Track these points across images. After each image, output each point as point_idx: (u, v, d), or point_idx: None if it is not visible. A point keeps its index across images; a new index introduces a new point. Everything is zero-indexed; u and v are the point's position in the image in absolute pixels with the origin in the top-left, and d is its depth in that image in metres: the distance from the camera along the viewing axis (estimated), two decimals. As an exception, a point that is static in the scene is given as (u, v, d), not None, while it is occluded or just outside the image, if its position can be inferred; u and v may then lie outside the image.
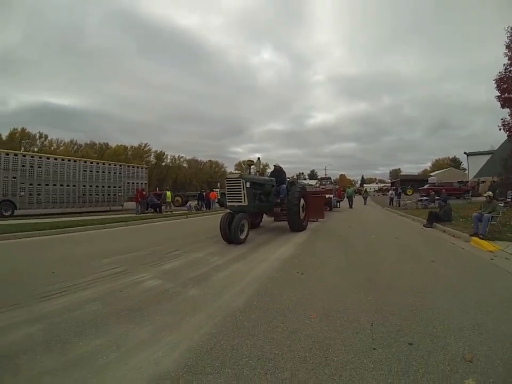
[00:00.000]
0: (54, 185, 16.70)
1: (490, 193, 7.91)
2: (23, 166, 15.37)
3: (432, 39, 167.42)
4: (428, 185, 29.03)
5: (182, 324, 2.75)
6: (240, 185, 7.86)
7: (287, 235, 8.71)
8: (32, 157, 16.33)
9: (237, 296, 3.49)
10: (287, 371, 1.99)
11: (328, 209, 18.18)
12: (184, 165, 72.99)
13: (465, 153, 40.94)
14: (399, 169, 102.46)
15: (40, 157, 16.78)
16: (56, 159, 17.44)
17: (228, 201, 8.27)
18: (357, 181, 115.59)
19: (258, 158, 10.35)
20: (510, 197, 14.65)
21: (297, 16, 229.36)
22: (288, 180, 10.65)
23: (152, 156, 66.27)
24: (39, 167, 16.02)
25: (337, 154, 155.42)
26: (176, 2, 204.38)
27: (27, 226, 9.77)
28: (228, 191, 8.28)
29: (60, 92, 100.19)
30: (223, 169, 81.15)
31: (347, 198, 23.63)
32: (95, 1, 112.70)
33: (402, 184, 40.77)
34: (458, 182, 29.72)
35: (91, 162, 19.67)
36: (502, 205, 8.03)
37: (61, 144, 55.05)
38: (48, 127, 75.01)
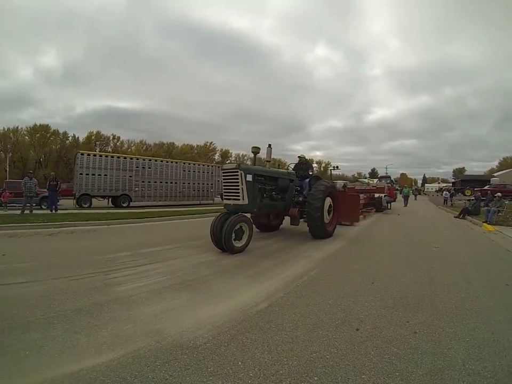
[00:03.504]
0: (160, 182, 22.31)
1: (499, 194, 11.72)
2: (137, 167, 21.10)
3: (496, 21, 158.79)
4: (487, 186, 31.07)
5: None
6: (238, 178, 6.71)
7: (306, 244, 7.52)
8: (143, 159, 22.17)
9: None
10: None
11: (374, 210, 17.54)
12: (248, 162, 78.78)
13: None
14: (463, 168, 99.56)
15: (150, 160, 22.69)
16: (162, 161, 23.27)
17: (224, 198, 7.33)
18: (418, 180, 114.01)
19: (269, 145, 8.71)
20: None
21: (347, 8, 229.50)
22: (311, 172, 9.25)
23: (217, 154, 72.63)
24: (149, 167, 21.74)
25: (398, 151, 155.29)
26: (228, 6, 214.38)
27: (137, 214, 13.30)
28: (224, 186, 7.27)
29: (123, 97, 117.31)
30: (286, 167, 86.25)
31: (403, 197, 26.04)
32: (148, 12, 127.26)
33: (462, 184, 42.02)
34: (515, 183, 31.50)
35: (189, 164, 25.38)
36: (507, 202, 11.79)
37: (132, 145, 63.93)
38: (113, 128, 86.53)
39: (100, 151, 52.53)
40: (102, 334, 2.71)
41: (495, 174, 53.73)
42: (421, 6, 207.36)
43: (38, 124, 55.52)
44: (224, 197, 7.32)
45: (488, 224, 10.76)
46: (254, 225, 8.60)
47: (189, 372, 2.17)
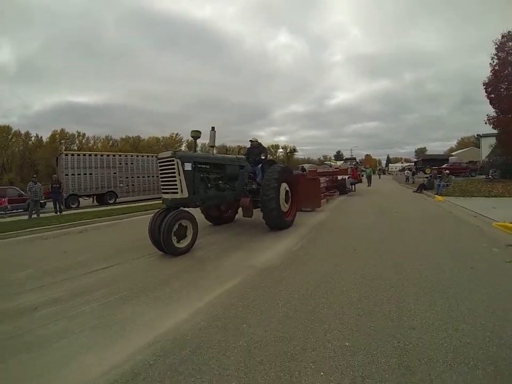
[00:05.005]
0: (143, 177, 23.53)
1: (447, 171, 14.44)
2: (119, 163, 22.18)
3: (455, 8, 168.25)
4: (446, 164, 34.71)
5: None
6: (174, 169, 6.08)
7: (263, 237, 6.96)
8: (126, 156, 23.25)
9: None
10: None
11: (337, 193, 17.40)
12: (215, 151, 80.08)
13: (478, 135, 45.32)
14: (425, 148, 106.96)
15: (132, 155, 23.84)
16: (143, 156, 24.44)
17: (162, 192, 6.64)
18: (382, 161, 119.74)
19: (213, 128, 7.79)
20: (490, 175, 20.82)
21: None
22: (264, 157, 8.53)
23: (184, 145, 73.11)
24: (131, 163, 22.86)
25: (361, 134, 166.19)
26: None
27: (117, 210, 13.90)
28: (161, 178, 6.62)
29: (82, 91, 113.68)
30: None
31: (366, 177, 27.65)
32: (107, 4, 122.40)
33: (423, 163, 46.41)
34: (469, 161, 35.35)
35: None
36: (453, 177, 14.57)
37: (98, 141, 63.15)
38: (74, 124, 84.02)
39: (65, 150, 52.26)
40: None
41: (453, 153, 58.46)
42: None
43: (-2, 126, 53.66)
44: (162, 190, 6.64)
45: (439, 195, 13.38)
46: (206, 219, 8.80)
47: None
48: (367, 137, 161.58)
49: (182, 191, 6.09)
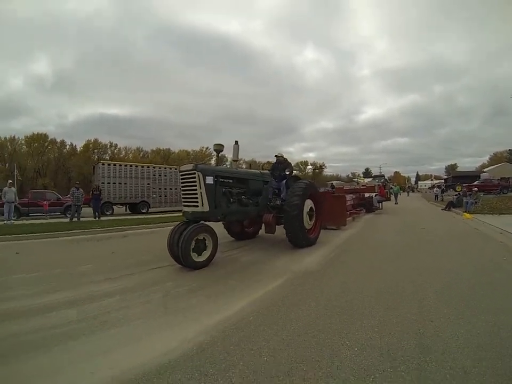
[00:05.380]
0: (176, 188, 24.45)
1: (476, 188, 14.57)
2: (153, 175, 23.42)
3: (479, 20, 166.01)
4: (477, 181, 34.13)
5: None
6: (195, 182, 6.11)
7: (284, 256, 6.80)
8: (159, 168, 24.53)
9: None
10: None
11: (364, 211, 17.03)
12: (243, 166, 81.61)
13: (510, 150, 44.12)
14: (455, 164, 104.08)
15: (165, 168, 25.11)
16: (176, 168, 25.53)
17: (183, 205, 6.70)
18: (412, 178, 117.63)
19: (236, 142, 7.88)
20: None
21: (334, 10, 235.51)
22: (288, 172, 8.32)
23: (213, 159, 74.95)
24: (164, 175, 24.09)
25: (390, 150, 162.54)
26: (215, 11, 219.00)
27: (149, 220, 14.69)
28: (182, 191, 6.74)
29: (114, 104, 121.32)
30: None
31: (393, 195, 27.61)
32: (137, 22, 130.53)
33: (453, 180, 45.42)
34: (501, 178, 34.62)
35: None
36: (482, 194, 14.66)
37: (129, 152, 65.82)
38: (105, 135, 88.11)
39: (98, 159, 54.89)
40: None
41: (485, 170, 57.04)
42: (405, 6, 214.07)
43: (36, 133, 57.30)
44: (183, 203, 6.70)
45: (467, 213, 13.53)
46: (228, 234, 8.85)
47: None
48: (396, 153, 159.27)
49: (202, 205, 6.08)
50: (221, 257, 6.68)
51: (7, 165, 54.31)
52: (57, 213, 20.02)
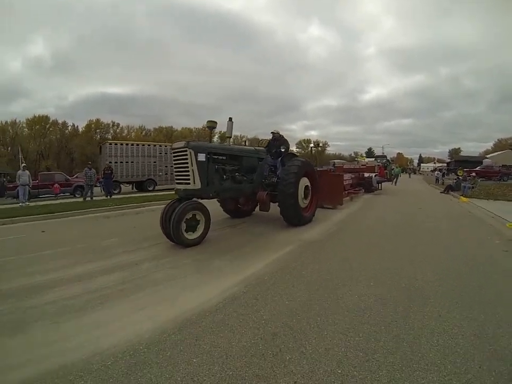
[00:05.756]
0: (182, 167, 25.17)
1: (473, 174, 15.33)
2: (159, 153, 23.89)
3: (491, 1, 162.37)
4: (478, 167, 34.63)
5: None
6: (187, 159, 6.14)
7: (278, 233, 6.99)
8: (165, 146, 24.95)
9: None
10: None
11: (362, 191, 16.97)
12: (246, 143, 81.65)
13: None
14: (459, 148, 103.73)
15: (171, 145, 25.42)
16: (181, 147, 26.14)
17: (176, 183, 6.76)
18: (415, 160, 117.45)
19: (230, 118, 7.63)
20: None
21: None
22: (284, 149, 8.24)
23: (216, 136, 75.21)
24: (170, 153, 24.46)
25: (394, 131, 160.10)
26: None
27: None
28: (174, 168, 6.80)
29: (116, 83, 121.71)
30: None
31: (393, 176, 27.79)
32: None
33: (456, 165, 45.88)
34: (502, 165, 35.22)
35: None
36: (479, 180, 15.45)
37: (131, 131, 66.32)
38: (107, 114, 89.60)
39: (100, 139, 55.56)
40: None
41: (488, 156, 57.23)
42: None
43: (37, 115, 57.59)
44: (175, 180, 6.78)
45: (464, 196, 14.29)
46: (224, 211, 9.08)
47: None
48: (400, 134, 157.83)
49: (194, 182, 6.14)
50: (227, 231, 7.43)
51: (9, 148, 54.96)
52: (66, 194, 20.75)
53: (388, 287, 3.78)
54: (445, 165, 62.28)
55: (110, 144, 22.28)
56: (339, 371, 2.23)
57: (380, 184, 19.15)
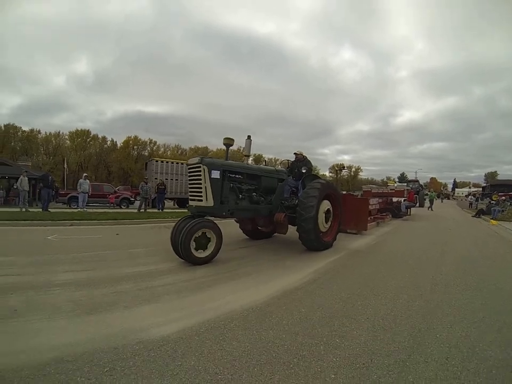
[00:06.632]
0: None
1: (503, 197, 16.25)
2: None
3: None
4: (515, 191, 34.72)
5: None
6: (200, 175, 6.11)
7: (295, 258, 6.77)
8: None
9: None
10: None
11: (390, 216, 16.38)
12: (280, 166, 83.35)
13: None
14: (495, 172, 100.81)
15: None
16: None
17: (189, 199, 6.77)
18: (449, 185, 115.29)
19: (249, 136, 7.72)
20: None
21: (370, 10, 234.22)
22: (305, 170, 8.02)
23: (251, 159, 77.50)
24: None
25: (427, 155, 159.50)
26: (252, 12, 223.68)
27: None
28: (189, 184, 6.76)
29: (152, 102, 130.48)
30: (316, 171, 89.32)
31: (429, 201, 28.82)
32: (175, 22, 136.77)
33: (491, 189, 45.57)
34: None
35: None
36: (509, 203, 16.32)
37: (167, 149, 70.04)
38: (142, 132, 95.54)
39: (137, 155, 59.26)
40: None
41: (525, 179, 56.20)
42: (444, 6, 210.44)
43: (79, 129, 62.78)
44: (189, 197, 6.78)
45: (494, 220, 15.29)
46: (243, 232, 9.00)
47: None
48: (434, 158, 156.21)
49: (207, 199, 6.08)
50: (251, 250, 7.62)
51: (51, 158, 59.40)
52: (113, 204, 22.63)
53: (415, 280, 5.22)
54: (480, 189, 61.58)
55: (156, 161, 24.00)
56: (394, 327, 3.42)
57: (409, 209, 18.75)
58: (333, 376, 2.41)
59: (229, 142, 6.85)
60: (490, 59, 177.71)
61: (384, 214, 15.92)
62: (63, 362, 2.47)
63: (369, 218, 12.26)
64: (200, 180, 6.10)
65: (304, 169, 7.99)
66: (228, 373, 2.40)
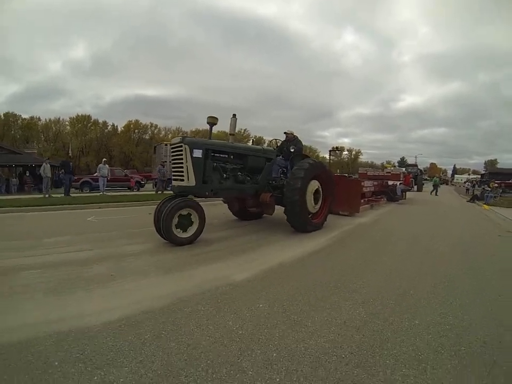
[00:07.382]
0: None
1: (496, 184, 17.75)
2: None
3: None
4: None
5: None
6: (182, 154, 6.08)
7: (279, 241, 6.67)
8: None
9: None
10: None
11: (384, 199, 16.31)
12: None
13: None
14: (496, 160, 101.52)
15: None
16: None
17: (172, 179, 6.77)
18: (448, 171, 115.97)
19: (234, 115, 7.51)
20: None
21: None
22: (293, 149, 7.86)
23: (251, 141, 78.06)
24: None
25: (428, 140, 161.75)
26: None
27: None
28: (172, 164, 6.74)
29: (151, 85, 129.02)
30: (316, 154, 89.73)
31: (433, 186, 29.28)
32: (173, 3, 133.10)
33: (490, 177, 46.82)
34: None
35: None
36: (501, 190, 17.81)
37: (168, 132, 70.40)
38: (142, 116, 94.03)
39: (138, 139, 60.42)
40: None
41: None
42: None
43: (80, 115, 63.60)
44: (172, 177, 6.80)
45: (486, 204, 16.79)
46: (232, 213, 9.16)
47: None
48: (435, 144, 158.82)
49: (188, 179, 6.07)
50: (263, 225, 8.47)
51: (51, 144, 60.35)
52: (124, 188, 23.58)
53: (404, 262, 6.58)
54: (479, 176, 62.67)
55: (166, 145, 24.78)
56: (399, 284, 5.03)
57: (404, 193, 18.62)
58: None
59: (212, 120, 6.93)
60: (495, 44, 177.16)
61: (379, 196, 15.95)
62: (170, 312, 3.20)
63: (362, 201, 12.52)
64: (182, 159, 6.14)
65: (293, 148, 7.93)
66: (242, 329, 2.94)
